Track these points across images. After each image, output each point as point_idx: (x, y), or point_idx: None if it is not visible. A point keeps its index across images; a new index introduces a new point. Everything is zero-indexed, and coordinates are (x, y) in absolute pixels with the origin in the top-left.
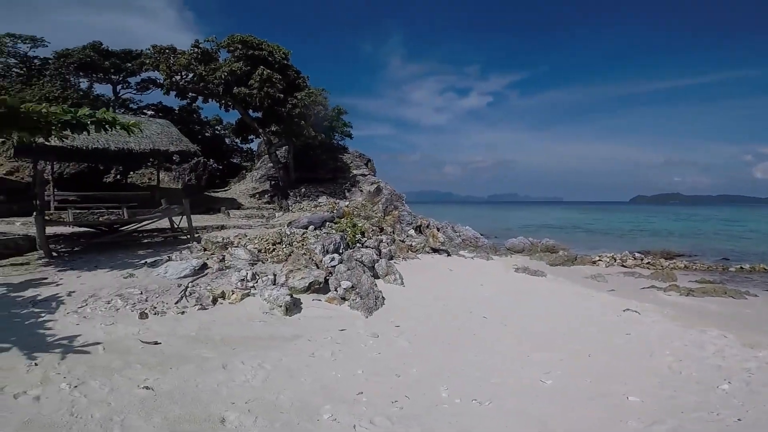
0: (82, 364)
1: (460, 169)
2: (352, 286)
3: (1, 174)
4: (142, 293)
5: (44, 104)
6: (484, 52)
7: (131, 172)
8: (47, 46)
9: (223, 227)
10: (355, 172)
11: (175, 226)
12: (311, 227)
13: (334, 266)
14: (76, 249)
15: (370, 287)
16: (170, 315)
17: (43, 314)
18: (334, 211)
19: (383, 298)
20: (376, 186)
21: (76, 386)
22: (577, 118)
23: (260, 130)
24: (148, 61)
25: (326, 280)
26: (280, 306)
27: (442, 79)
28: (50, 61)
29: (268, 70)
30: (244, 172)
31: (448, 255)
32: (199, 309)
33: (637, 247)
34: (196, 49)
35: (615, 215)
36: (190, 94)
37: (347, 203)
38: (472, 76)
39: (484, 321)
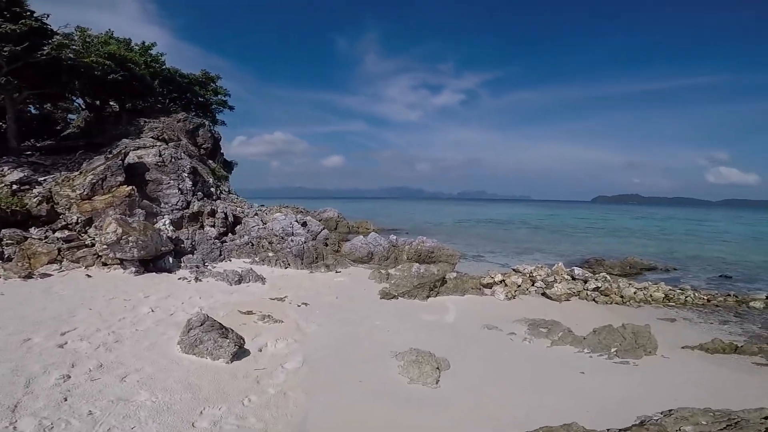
0: None
1: (431, 167)
2: None
3: None
4: None
5: None
6: (459, 50)
7: None
8: None
9: None
10: (136, 141)
11: None
12: None
13: None
14: None
15: None
16: None
17: None
18: None
19: None
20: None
21: None
22: (547, 119)
23: None
24: None
25: None
26: None
27: (415, 76)
28: None
29: None
30: None
31: (155, 269)
32: None
33: (588, 251)
34: None
35: (573, 212)
36: None
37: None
38: (446, 74)
39: None
